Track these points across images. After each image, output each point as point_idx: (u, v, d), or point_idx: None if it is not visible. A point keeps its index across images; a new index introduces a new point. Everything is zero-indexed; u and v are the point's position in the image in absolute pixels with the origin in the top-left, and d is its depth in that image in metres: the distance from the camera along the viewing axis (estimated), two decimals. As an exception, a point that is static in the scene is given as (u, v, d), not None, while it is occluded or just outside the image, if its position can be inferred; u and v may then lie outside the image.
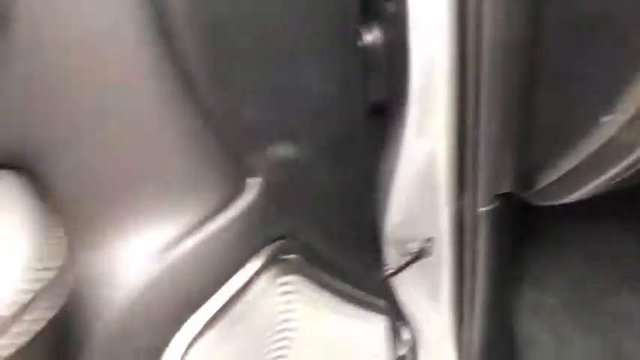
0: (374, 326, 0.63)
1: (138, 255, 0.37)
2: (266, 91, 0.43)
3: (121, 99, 0.34)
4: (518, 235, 0.97)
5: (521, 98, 0.72)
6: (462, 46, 0.64)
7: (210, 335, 0.41)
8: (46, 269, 0.29)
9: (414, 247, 0.94)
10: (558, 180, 0.75)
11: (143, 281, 0.37)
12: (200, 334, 0.41)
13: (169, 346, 0.39)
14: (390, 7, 0.71)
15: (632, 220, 1.04)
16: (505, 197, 0.86)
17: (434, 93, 0.75)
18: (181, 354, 0.40)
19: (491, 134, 0.75)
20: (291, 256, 0.49)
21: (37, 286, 0.28)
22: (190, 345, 0.40)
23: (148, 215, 0.38)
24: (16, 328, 0.26)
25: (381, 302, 0.66)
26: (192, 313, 0.40)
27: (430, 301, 0.96)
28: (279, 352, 0.49)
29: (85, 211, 0.36)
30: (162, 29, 0.33)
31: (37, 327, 0.27)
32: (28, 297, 0.27)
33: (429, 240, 0.99)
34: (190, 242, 0.40)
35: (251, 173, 0.45)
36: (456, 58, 0.65)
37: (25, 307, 0.26)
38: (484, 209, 0.86)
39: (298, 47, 0.45)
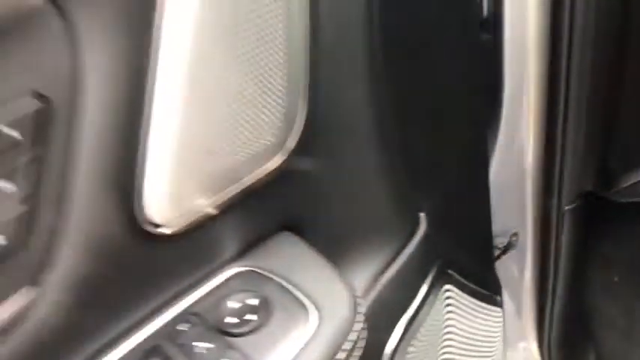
0: (497, 318, 0.76)
1: (362, 280, 0.51)
2: (436, 134, 0.55)
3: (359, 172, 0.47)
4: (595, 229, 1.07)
5: (611, 100, 0.81)
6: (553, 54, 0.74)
7: (406, 340, 0.55)
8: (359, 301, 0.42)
9: (503, 241, 1.06)
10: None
11: (368, 301, 0.50)
12: (401, 339, 0.54)
13: (385, 350, 0.52)
14: (484, 36, 0.83)
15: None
16: (586, 196, 0.97)
17: (524, 99, 0.86)
18: (390, 356, 0.53)
19: (579, 136, 0.85)
20: (449, 270, 0.61)
21: (361, 319, 0.41)
22: (395, 349, 0.53)
23: (366, 252, 0.51)
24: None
25: (499, 298, 0.78)
26: (397, 323, 0.53)
27: (513, 290, 1.08)
28: (446, 354, 0.62)
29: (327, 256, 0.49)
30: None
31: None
32: (358, 328, 0.40)
33: (514, 235, 1.11)
34: (393, 267, 0.53)
35: (420, 209, 0.58)
36: (546, 66, 0.76)
37: (356, 342, 0.39)
38: (568, 207, 0.97)
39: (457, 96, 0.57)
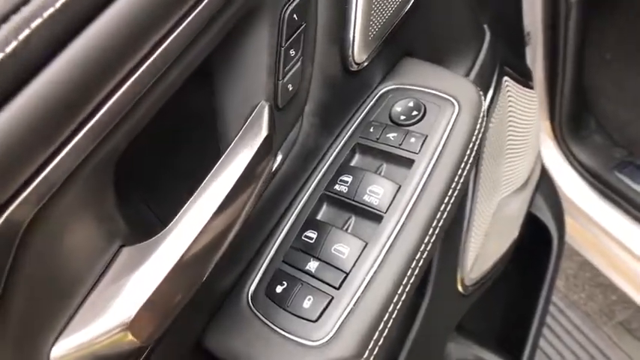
0: (534, 98, 0.97)
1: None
2: None
3: None
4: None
5: None
6: None
7: (487, 119, 0.76)
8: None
9: (519, 41, 1.24)
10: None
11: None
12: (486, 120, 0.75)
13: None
14: None
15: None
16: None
17: None
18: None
19: None
20: (505, 67, 0.81)
21: (483, 103, 0.61)
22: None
23: (457, 59, 0.70)
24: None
25: (531, 82, 0.99)
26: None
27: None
28: (510, 128, 0.84)
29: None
30: None
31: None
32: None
33: (527, 34, 1.30)
34: (475, 68, 0.72)
35: (484, 22, 0.76)
36: None
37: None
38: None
39: None
